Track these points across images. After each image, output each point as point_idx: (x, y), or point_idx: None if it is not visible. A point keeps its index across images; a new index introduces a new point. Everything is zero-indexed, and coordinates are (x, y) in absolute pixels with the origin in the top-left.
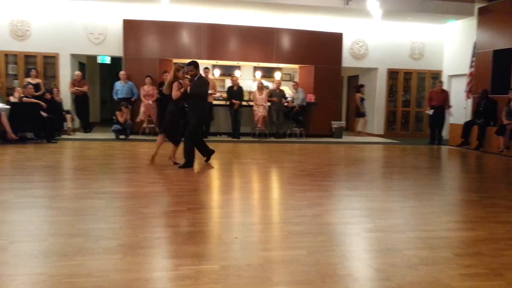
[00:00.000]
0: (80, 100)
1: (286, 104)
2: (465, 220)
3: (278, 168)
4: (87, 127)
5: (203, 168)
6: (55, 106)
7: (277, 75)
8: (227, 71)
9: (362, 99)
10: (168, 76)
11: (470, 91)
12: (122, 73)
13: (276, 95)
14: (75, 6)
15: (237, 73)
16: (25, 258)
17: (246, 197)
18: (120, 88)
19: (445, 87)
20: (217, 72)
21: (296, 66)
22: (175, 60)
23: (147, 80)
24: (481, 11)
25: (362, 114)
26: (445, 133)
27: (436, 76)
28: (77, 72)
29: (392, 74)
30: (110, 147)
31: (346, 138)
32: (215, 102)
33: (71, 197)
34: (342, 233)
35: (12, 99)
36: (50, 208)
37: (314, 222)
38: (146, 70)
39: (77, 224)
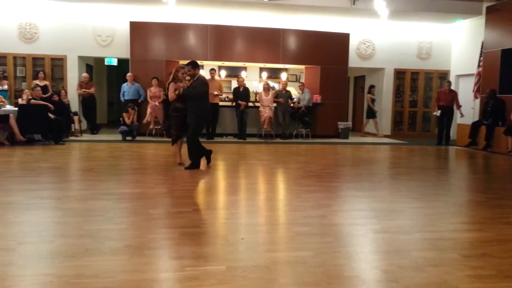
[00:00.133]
0: (87, 101)
1: (292, 105)
2: (473, 221)
3: (284, 169)
4: (94, 128)
5: (209, 169)
6: (62, 108)
7: (283, 76)
8: (233, 72)
9: (373, 100)
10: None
11: (478, 91)
12: (129, 74)
13: (282, 96)
14: (83, 9)
15: (243, 74)
16: (33, 259)
17: (252, 198)
18: (127, 89)
19: (452, 87)
20: (223, 73)
21: (302, 66)
22: (181, 62)
23: (154, 81)
24: (489, 10)
25: (374, 115)
26: (452, 134)
27: (443, 76)
28: (85, 74)
29: (399, 74)
30: (117, 148)
31: (352, 138)
32: (221, 103)
33: (79, 198)
34: (348, 234)
35: (20, 101)
36: (57, 209)
37: (321, 223)
38: (152, 71)
39: (84, 225)
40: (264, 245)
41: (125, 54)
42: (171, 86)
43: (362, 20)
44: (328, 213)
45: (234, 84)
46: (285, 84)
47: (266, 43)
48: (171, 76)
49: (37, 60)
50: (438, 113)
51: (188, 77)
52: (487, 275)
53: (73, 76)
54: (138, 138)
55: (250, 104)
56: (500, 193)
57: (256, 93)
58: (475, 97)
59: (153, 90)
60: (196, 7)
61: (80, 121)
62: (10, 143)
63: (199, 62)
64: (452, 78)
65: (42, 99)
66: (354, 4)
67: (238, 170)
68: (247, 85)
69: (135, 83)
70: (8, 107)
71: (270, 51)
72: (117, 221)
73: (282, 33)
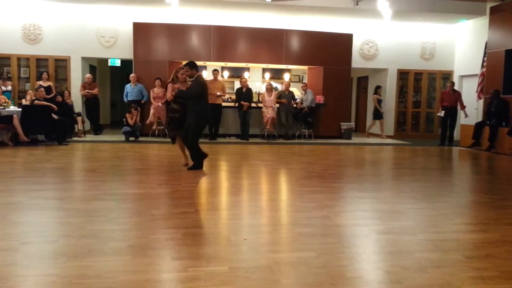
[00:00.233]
0: (90, 102)
1: (295, 105)
2: (476, 222)
3: (287, 169)
4: (97, 129)
5: (212, 169)
6: (66, 108)
7: (286, 77)
8: (236, 73)
9: (379, 101)
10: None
11: (481, 92)
12: (132, 75)
13: (285, 97)
14: (87, 10)
15: (246, 74)
16: (36, 259)
17: (255, 199)
18: (130, 90)
19: (456, 87)
20: (226, 74)
21: (305, 67)
22: (184, 63)
23: (157, 82)
24: (493, 10)
25: (380, 116)
26: (456, 134)
27: (447, 76)
28: (88, 75)
29: (402, 74)
30: (120, 149)
31: (355, 139)
32: (224, 104)
33: (82, 198)
34: (352, 235)
35: (24, 102)
36: (60, 209)
37: (324, 224)
38: (156, 72)
39: (87, 225)
40: (266, 246)
41: (129, 55)
42: (169, 87)
43: (365, 21)
44: (331, 214)
45: (237, 84)
46: (288, 85)
47: (269, 44)
48: (171, 77)
49: (40, 61)
50: (442, 113)
51: (188, 78)
52: (490, 276)
53: (76, 77)
54: (141, 138)
55: (253, 104)
56: (503, 194)
57: (259, 94)
58: (479, 97)
59: (156, 91)
60: (199, 8)
61: (83, 122)
62: (13, 143)
63: (202, 63)
64: (455, 78)
65: (45, 99)
66: (357, 4)
67: (241, 171)
68: (250, 86)
69: (138, 84)
70: (12, 107)
71: (273, 51)
72: (120, 221)
73: (285, 33)
